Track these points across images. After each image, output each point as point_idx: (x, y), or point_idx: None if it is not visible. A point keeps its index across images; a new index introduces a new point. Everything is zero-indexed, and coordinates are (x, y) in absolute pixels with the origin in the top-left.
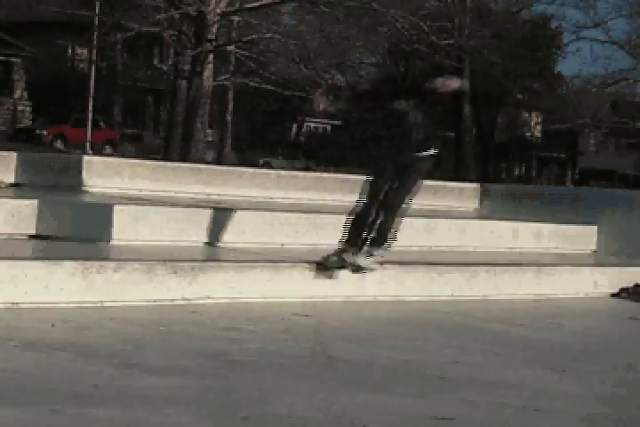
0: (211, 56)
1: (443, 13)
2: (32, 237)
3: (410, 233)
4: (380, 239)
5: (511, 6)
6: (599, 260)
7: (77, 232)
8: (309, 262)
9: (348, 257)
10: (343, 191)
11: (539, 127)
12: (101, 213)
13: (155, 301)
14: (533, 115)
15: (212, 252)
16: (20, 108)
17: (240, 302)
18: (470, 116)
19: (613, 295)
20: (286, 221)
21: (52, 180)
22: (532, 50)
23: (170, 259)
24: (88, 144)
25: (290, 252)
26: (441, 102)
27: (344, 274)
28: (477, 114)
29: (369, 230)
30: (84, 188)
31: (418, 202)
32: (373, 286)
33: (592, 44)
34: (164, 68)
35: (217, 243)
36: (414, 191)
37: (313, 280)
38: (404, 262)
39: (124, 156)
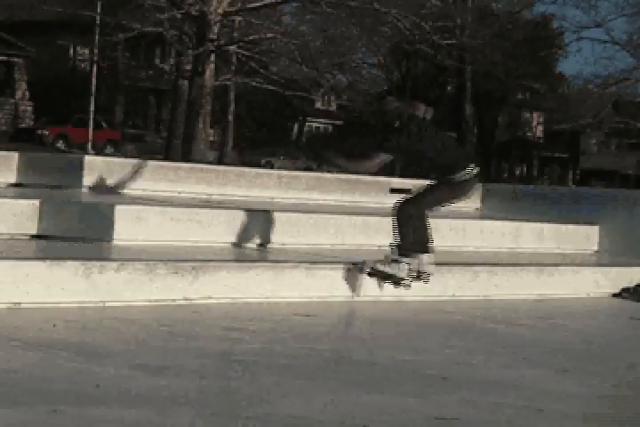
0: (212, 56)
1: (444, 13)
2: (33, 237)
3: None
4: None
5: (513, 6)
6: (600, 260)
7: (79, 232)
8: (311, 262)
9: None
10: (344, 191)
11: (540, 127)
12: (103, 213)
13: (156, 301)
14: (535, 115)
15: (213, 252)
16: (21, 108)
17: (241, 302)
18: (472, 116)
19: (615, 295)
20: (288, 221)
21: (53, 180)
22: (534, 50)
23: (171, 259)
24: (89, 144)
25: (291, 252)
26: None
27: (344, 274)
28: (479, 114)
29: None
30: (85, 188)
31: None
32: (374, 285)
33: (593, 44)
34: (166, 68)
35: (218, 243)
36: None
37: (314, 280)
38: None
39: (125, 156)
